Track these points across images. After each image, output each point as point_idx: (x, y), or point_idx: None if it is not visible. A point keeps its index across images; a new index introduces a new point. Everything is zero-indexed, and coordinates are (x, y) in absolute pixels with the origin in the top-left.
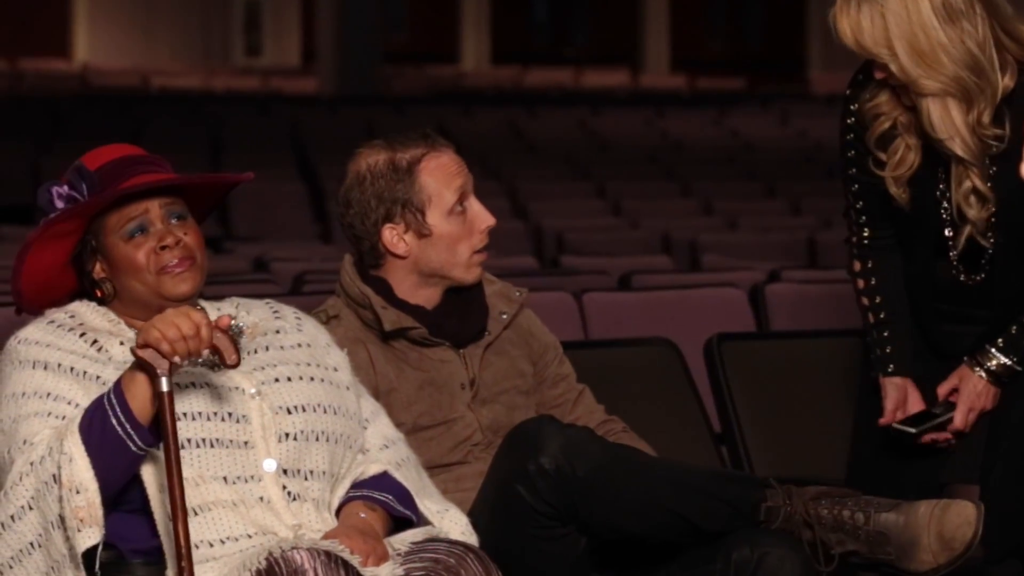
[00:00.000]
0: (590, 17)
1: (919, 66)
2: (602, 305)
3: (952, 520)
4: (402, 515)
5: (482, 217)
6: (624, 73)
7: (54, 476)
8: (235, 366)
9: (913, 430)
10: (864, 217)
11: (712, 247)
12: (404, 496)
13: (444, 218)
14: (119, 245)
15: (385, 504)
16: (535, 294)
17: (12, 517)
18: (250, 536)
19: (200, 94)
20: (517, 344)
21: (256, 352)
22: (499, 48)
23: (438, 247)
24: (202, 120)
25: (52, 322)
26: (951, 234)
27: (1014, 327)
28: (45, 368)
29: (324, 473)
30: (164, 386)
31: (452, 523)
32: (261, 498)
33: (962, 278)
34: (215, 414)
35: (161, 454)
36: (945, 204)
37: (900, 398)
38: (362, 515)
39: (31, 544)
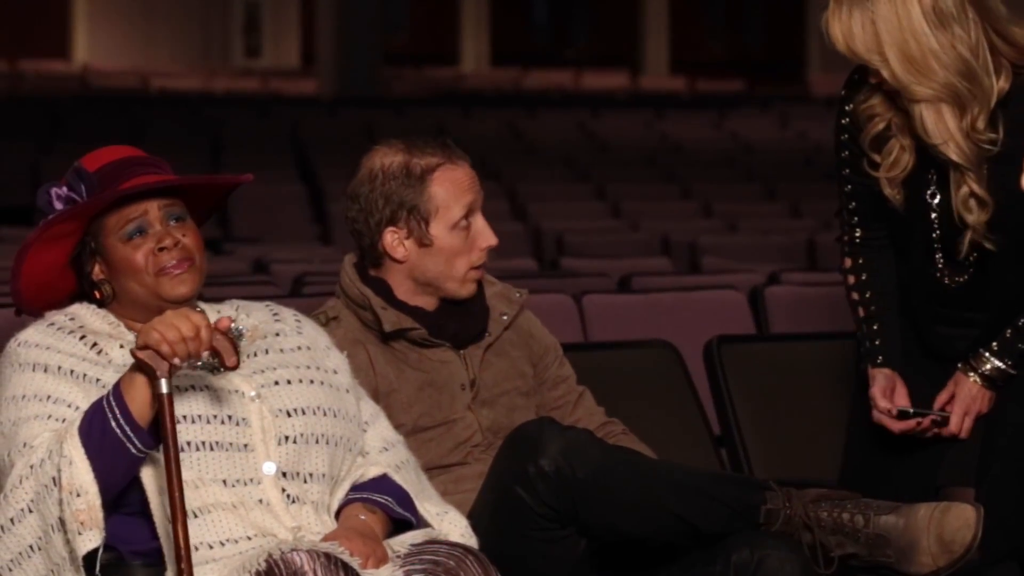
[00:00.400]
0: (590, 19)
1: (910, 73)
2: (602, 307)
3: (952, 523)
4: (402, 517)
5: (485, 235)
6: (624, 75)
7: (54, 479)
8: (235, 368)
9: (911, 410)
10: (857, 217)
11: (712, 249)
12: (404, 498)
13: (447, 231)
14: (118, 246)
15: (385, 506)
16: (534, 296)
17: (12, 520)
18: (250, 538)
19: (200, 95)
20: (517, 345)
21: (256, 355)
22: (499, 50)
23: (436, 258)
24: (202, 122)
25: (52, 324)
26: (938, 235)
27: (1008, 330)
28: (45, 371)
29: (324, 476)
30: (164, 388)
31: (452, 525)
32: (260, 500)
33: (946, 280)
34: (215, 417)
35: (161, 456)
36: (935, 206)
37: (888, 386)
38: (362, 517)
39: (31, 547)
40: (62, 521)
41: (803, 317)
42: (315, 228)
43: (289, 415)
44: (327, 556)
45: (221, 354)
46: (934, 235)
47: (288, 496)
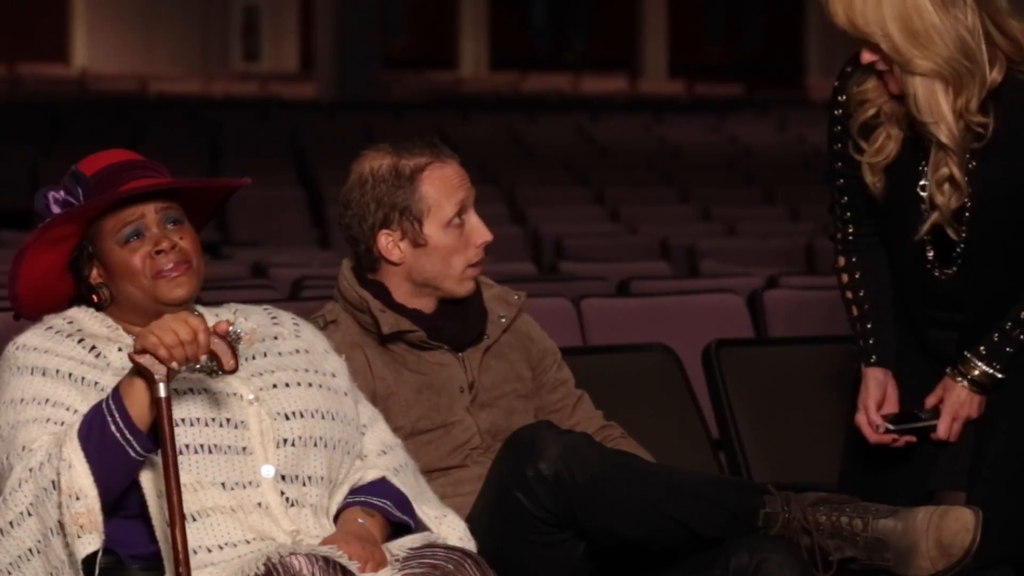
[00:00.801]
0: (589, 23)
1: (914, 46)
2: (600, 311)
3: (950, 526)
4: (400, 520)
5: (479, 232)
6: (623, 79)
7: (53, 482)
8: (233, 371)
9: (892, 426)
10: (849, 213)
11: (710, 253)
12: (402, 502)
13: (441, 229)
14: (115, 250)
15: (383, 510)
16: (533, 300)
17: (11, 523)
18: (248, 542)
19: (199, 99)
20: (516, 348)
21: (254, 358)
22: (498, 54)
23: (432, 258)
24: (200, 125)
25: (50, 328)
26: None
27: (995, 334)
28: (44, 374)
29: (322, 479)
30: (162, 392)
31: (450, 528)
32: (259, 504)
33: (936, 273)
34: (213, 420)
35: (160, 459)
36: (925, 200)
37: (879, 395)
38: (360, 521)
39: (30, 550)
40: (61, 524)
41: (802, 321)
42: (314, 232)
43: (287, 418)
44: (326, 560)
45: (219, 357)
46: (921, 226)
47: (287, 499)
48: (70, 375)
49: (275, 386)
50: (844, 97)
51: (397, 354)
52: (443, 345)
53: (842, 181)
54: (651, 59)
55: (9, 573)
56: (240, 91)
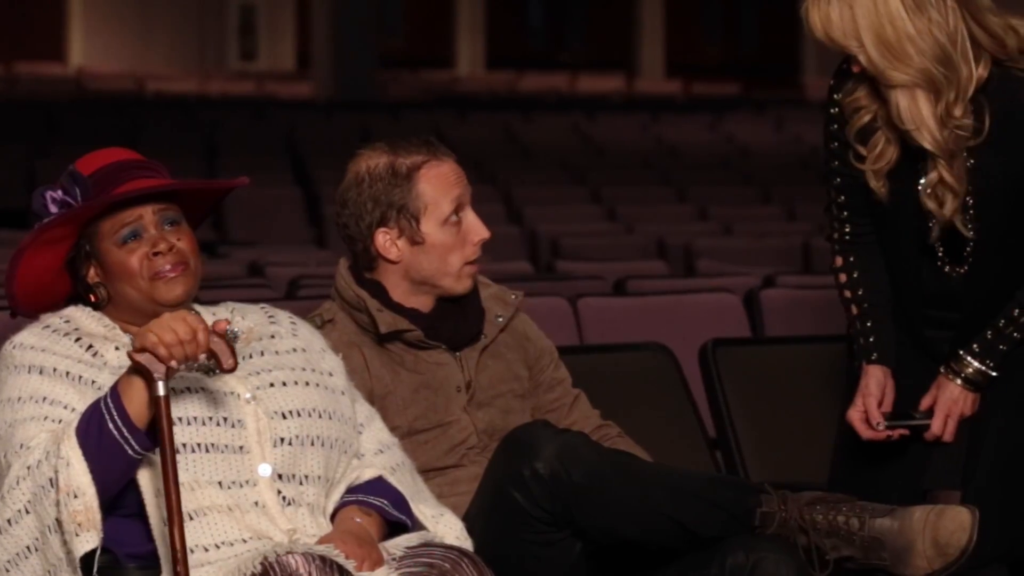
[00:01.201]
0: (585, 22)
1: (885, 58)
2: (597, 310)
3: (947, 526)
4: (397, 520)
5: (476, 229)
6: (619, 78)
7: (51, 480)
8: (232, 371)
9: (883, 425)
10: (846, 212)
11: (707, 252)
12: (399, 501)
13: (438, 227)
14: (113, 251)
15: (380, 509)
16: (530, 299)
17: (9, 521)
18: (245, 541)
19: (195, 98)
20: (513, 348)
21: (251, 357)
22: (494, 53)
23: (430, 255)
24: (197, 124)
25: (48, 327)
26: (921, 225)
27: (989, 332)
28: (41, 373)
29: (319, 478)
30: (161, 390)
31: (447, 528)
32: (256, 503)
33: (923, 270)
34: (210, 419)
35: (157, 458)
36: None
37: (880, 393)
38: (357, 520)
39: (28, 548)
40: (59, 522)
41: (798, 320)
42: (310, 231)
43: (284, 417)
44: (322, 559)
45: (218, 356)
46: (916, 225)
47: (284, 498)
48: (67, 374)
49: (272, 385)
50: (839, 96)
51: (394, 353)
52: (440, 344)
53: (839, 180)
54: (648, 58)
55: (7, 571)
56: (236, 90)
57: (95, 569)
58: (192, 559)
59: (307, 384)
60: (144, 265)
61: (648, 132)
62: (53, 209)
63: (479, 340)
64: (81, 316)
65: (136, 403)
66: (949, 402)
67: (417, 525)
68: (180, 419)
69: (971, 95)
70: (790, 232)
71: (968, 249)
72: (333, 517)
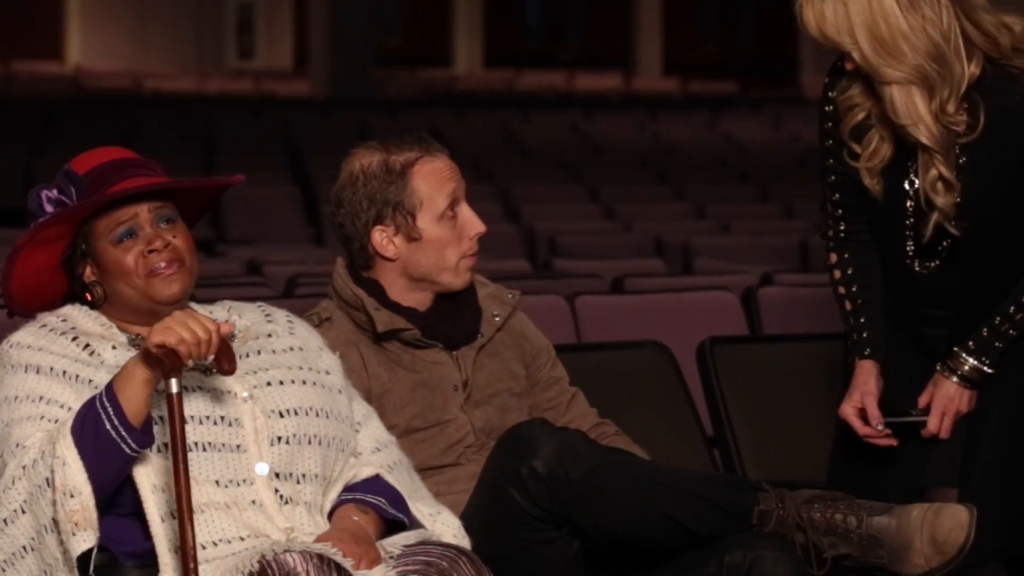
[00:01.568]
0: (583, 20)
1: (879, 55)
2: (595, 308)
3: (945, 524)
4: (394, 518)
5: (472, 223)
6: (617, 76)
7: (47, 480)
8: (231, 373)
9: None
10: (841, 210)
11: (705, 250)
12: (396, 499)
13: (434, 223)
14: (108, 249)
15: (377, 507)
16: (528, 297)
17: (5, 521)
18: (243, 539)
19: (193, 97)
20: (510, 346)
21: (248, 356)
22: (492, 51)
23: (427, 251)
24: (195, 123)
25: (44, 326)
26: (912, 223)
27: (984, 329)
28: (37, 372)
29: (316, 476)
30: (174, 388)
31: (444, 526)
32: (253, 501)
33: (917, 267)
34: (207, 418)
35: (153, 455)
36: (910, 193)
37: (877, 389)
38: (355, 518)
39: (24, 548)
40: (55, 522)
41: (796, 318)
42: (308, 229)
43: (281, 416)
44: (320, 557)
45: (221, 358)
46: (907, 222)
47: (281, 497)
48: (64, 373)
49: (269, 384)
50: (834, 93)
51: (391, 352)
52: (437, 343)
53: (833, 178)
54: (645, 56)
55: (3, 571)
56: (234, 89)
57: (91, 568)
58: None
59: (304, 383)
60: (140, 263)
61: (646, 130)
62: (49, 208)
63: (476, 339)
64: (78, 315)
65: (133, 400)
66: (946, 400)
67: (414, 523)
68: None
69: (964, 92)
70: (788, 230)
71: (961, 247)
72: (330, 515)
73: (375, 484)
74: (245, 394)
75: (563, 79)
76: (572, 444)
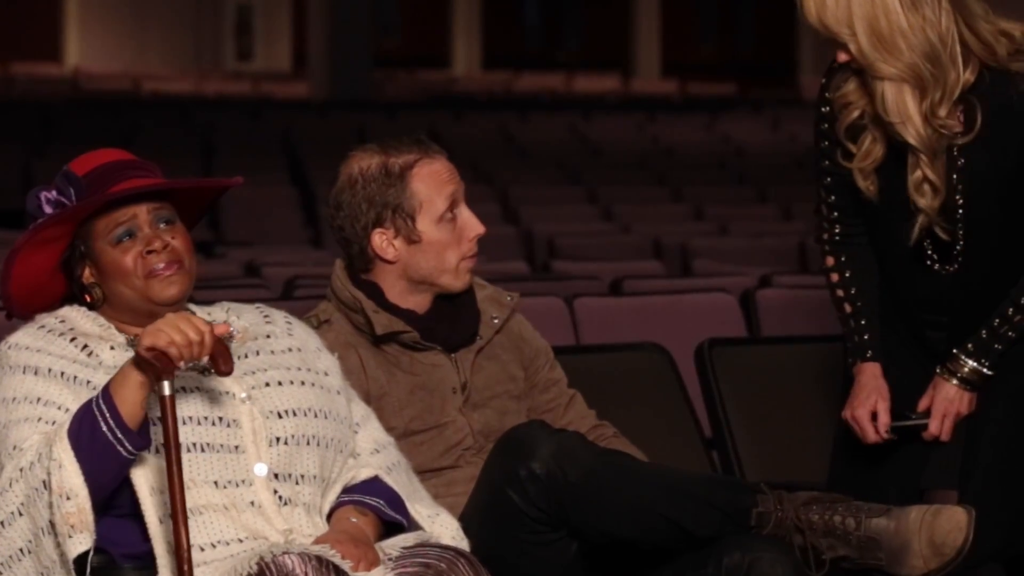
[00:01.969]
0: (581, 22)
1: (876, 49)
2: (593, 310)
3: (943, 526)
4: (393, 519)
5: (471, 225)
6: (615, 78)
7: (44, 482)
8: (228, 374)
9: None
10: (836, 212)
11: (703, 252)
12: (395, 500)
13: (434, 225)
14: (107, 250)
15: (376, 508)
16: (526, 299)
17: (2, 523)
18: (241, 540)
19: (191, 99)
20: (508, 349)
21: (247, 357)
22: (490, 53)
23: (427, 253)
24: (193, 125)
25: (43, 327)
26: (906, 225)
27: (984, 331)
28: (36, 373)
29: (315, 477)
30: (167, 390)
31: (443, 527)
32: (252, 502)
33: (914, 270)
34: (206, 419)
35: (150, 457)
36: (904, 198)
37: (882, 393)
38: (353, 520)
39: (21, 550)
40: (52, 524)
41: (794, 320)
42: (306, 231)
43: (280, 416)
44: (318, 559)
45: (217, 359)
46: (901, 224)
47: (280, 498)
48: (62, 374)
49: (267, 384)
50: (830, 92)
51: (390, 355)
52: (436, 346)
53: (829, 180)
54: (644, 58)
55: (1, 573)
56: (233, 90)
57: (88, 570)
58: None
59: (303, 384)
60: (138, 264)
61: (644, 132)
62: (47, 209)
63: (474, 341)
64: (76, 316)
65: (129, 402)
66: (946, 402)
67: (413, 525)
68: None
69: (958, 97)
70: (786, 232)
71: (958, 248)
72: (329, 517)
73: (374, 485)
74: (243, 395)
75: (562, 81)
76: (570, 446)
